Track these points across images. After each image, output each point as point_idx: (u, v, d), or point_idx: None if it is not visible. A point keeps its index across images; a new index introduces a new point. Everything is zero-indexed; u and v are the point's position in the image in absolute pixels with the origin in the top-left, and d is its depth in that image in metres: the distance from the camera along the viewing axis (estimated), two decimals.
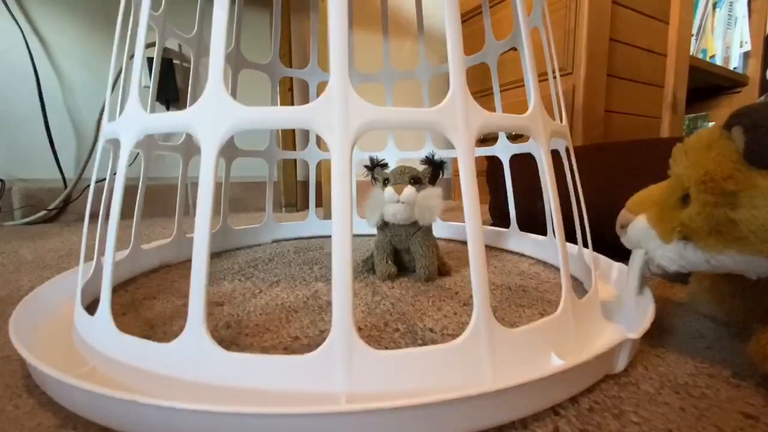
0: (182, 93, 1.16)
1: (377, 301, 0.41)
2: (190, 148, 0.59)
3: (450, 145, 0.29)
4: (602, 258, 0.47)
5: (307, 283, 0.47)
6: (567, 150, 0.40)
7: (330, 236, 0.22)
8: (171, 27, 0.50)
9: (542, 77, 0.35)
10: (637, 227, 0.32)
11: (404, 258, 0.51)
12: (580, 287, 0.45)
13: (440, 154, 0.56)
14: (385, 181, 0.49)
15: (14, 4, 0.98)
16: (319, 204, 0.92)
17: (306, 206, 1.35)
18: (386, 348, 0.30)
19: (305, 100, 1.13)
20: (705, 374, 0.26)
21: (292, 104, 1.27)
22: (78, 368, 0.25)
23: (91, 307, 0.30)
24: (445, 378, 0.23)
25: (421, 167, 0.51)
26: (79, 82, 1.07)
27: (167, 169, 1.14)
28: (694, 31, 1.52)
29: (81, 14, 1.06)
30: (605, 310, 0.34)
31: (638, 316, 0.31)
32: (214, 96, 0.24)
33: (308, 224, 0.82)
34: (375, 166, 0.52)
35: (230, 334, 0.33)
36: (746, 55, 1.66)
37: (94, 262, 0.39)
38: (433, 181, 0.50)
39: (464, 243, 0.24)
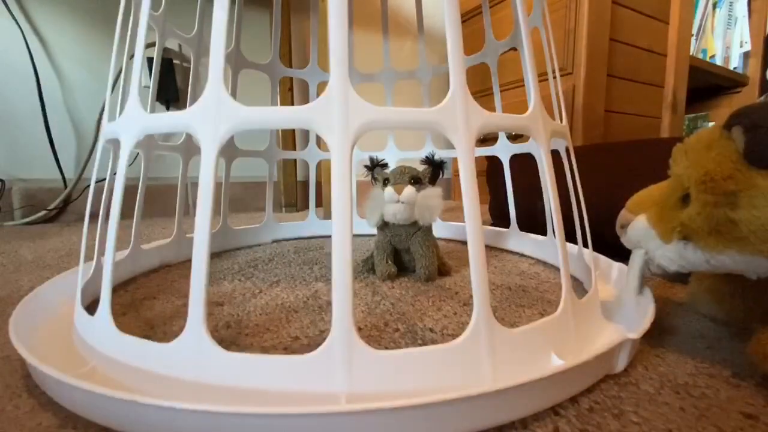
0: (182, 93, 1.16)
1: (377, 301, 0.41)
2: (190, 148, 0.59)
3: (450, 145, 0.29)
4: (602, 258, 0.47)
5: (307, 283, 0.47)
6: (567, 150, 0.40)
7: (330, 236, 0.22)
8: (171, 27, 0.50)
9: (542, 77, 0.35)
10: (637, 227, 0.32)
11: (404, 258, 0.51)
12: (580, 287, 0.45)
13: (440, 154, 0.56)
14: (385, 181, 0.49)
15: (14, 4, 0.98)
16: (319, 204, 0.92)
17: (306, 206, 1.35)
18: (386, 348, 0.30)
19: (305, 100, 1.13)
20: (705, 374, 0.26)
21: (292, 104, 1.27)
22: (78, 368, 0.25)
23: (91, 307, 0.30)
24: (445, 378, 0.23)
25: (421, 167, 0.51)
26: (79, 82, 1.07)
27: (167, 169, 1.14)
28: (694, 31, 1.52)
29: (81, 14, 1.06)
30: (605, 310, 0.34)
31: (638, 316, 0.31)
32: (214, 96, 0.24)
33: (308, 224, 0.82)
34: (375, 166, 0.52)
35: (230, 334, 0.33)
36: (746, 55, 1.66)
37: (94, 262, 0.39)
38: (433, 181, 0.50)
39: (464, 243, 0.24)
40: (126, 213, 0.31)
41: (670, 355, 0.29)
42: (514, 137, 0.67)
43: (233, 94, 0.37)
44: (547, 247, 0.58)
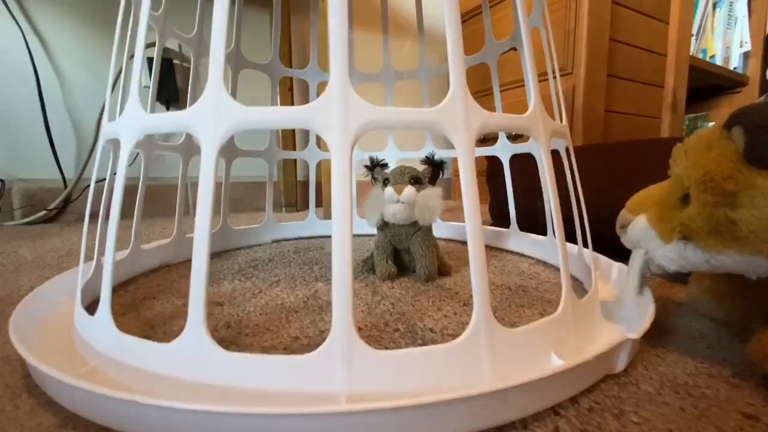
0: (182, 93, 1.16)
1: (377, 301, 0.41)
2: (190, 148, 0.59)
3: (450, 145, 0.29)
4: (602, 258, 0.47)
5: (307, 283, 0.47)
6: (567, 150, 0.40)
7: (330, 236, 0.22)
8: (171, 27, 0.50)
9: (542, 77, 0.35)
10: (637, 227, 0.32)
11: (404, 258, 0.51)
12: (580, 287, 0.45)
13: (440, 154, 0.56)
14: (385, 181, 0.49)
15: (14, 4, 0.98)
16: (319, 204, 0.92)
17: (306, 206, 1.35)
18: (386, 348, 0.30)
19: (305, 100, 1.13)
20: (705, 374, 0.26)
21: (292, 104, 1.27)
22: (78, 368, 0.25)
23: (91, 307, 0.30)
24: (445, 378, 0.23)
25: (421, 167, 0.51)
26: (79, 82, 1.07)
27: (167, 169, 1.14)
28: (694, 31, 1.52)
29: (81, 14, 1.06)
30: (605, 310, 0.34)
31: (638, 316, 0.31)
32: (214, 96, 0.24)
33: (308, 224, 0.82)
34: (375, 166, 0.52)
35: (230, 334, 0.33)
36: (746, 55, 1.66)
37: (94, 262, 0.39)
38: (433, 181, 0.50)
39: (464, 243, 0.24)
40: (126, 213, 0.31)
41: (670, 355, 0.29)
42: (514, 137, 0.67)
43: (233, 94, 0.37)
44: (547, 247, 0.58)
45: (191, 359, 0.23)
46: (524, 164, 0.58)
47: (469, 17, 1.35)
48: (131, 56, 0.33)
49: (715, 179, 0.25)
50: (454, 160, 1.34)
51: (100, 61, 1.09)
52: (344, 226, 0.22)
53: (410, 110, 0.24)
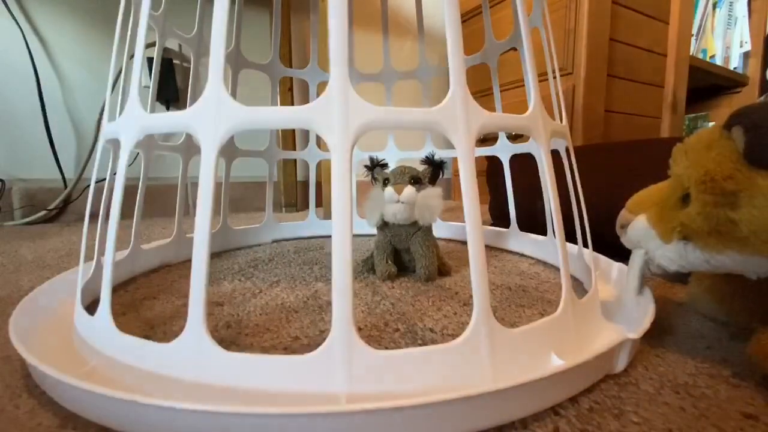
0: (182, 93, 1.16)
1: (377, 301, 0.41)
2: (190, 148, 0.59)
3: (450, 145, 0.29)
4: (602, 258, 0.47)
5: (307, 283, 0.47)
6: (567, 150, 0.40)
7: (330, 236, 0.22)
8: (171, 27, 0.50)
9: (542, 77, 0.35)
10: (637, 227, 0.32)
11: (404, 258, 0.51)
12: (580, 287, 0.45)
13: (440, 154, 0.56)
14: (385, 181, 0.49)
15: (14, 4, 0.98)
16: (319, 204, 0.92)
17: (306, 206, 1.35)
18: (386, 348, 0.30)
19: (305, 100, 1.13)
20: (705, 374, 0.26)
21: (292, 104, 1.27)
22: (78, 368, 0.25)
23: (91, 307, 0.30)
24: (445, 378, 0.23)
25: (421, 167, 0.51)
26: (79, 82, 1.07)
27: (167, 169, 1.14)
28: (694, 31, 1.52)
29: (81, 14, 1.06)
30: (605, 310, 0.34)
31: (638, 316, 0.31)
32: (214, 96, 0.24)
33: (308, 224, 0.82)
34: (375, 166, 0.52)
35: (230, 334, 0.33)
36: (746, 55, 1.66)
37: (94, 262, 0.39)
38: (433, 181, 0.50)
39: (464, 243, 0.24)
40: (126, 213, 0.31)
41: (670, 355, 0.29)
42: (514, 137, 0.67)
43: (233, 94, 0.37)
44: (547, 247, 0.58)
45: (191, 359, 0.23)
46: (524, 164, 0.58)
47: (469, 17, 1.35)
48: (131, 56, 0.33)
49: (715, 179, 0.25)
50: (454, 160, 1.34)
51: (100, 61, 1.09)
52: (344, 226, 0.22)
53: (410, 110, 0.24)
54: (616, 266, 0.44)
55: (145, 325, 0.35)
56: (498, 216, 0.80)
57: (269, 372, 0.23)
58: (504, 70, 0.72)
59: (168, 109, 1.15)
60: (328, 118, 0.23)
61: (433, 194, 0.47)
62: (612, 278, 0.44)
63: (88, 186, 0.62)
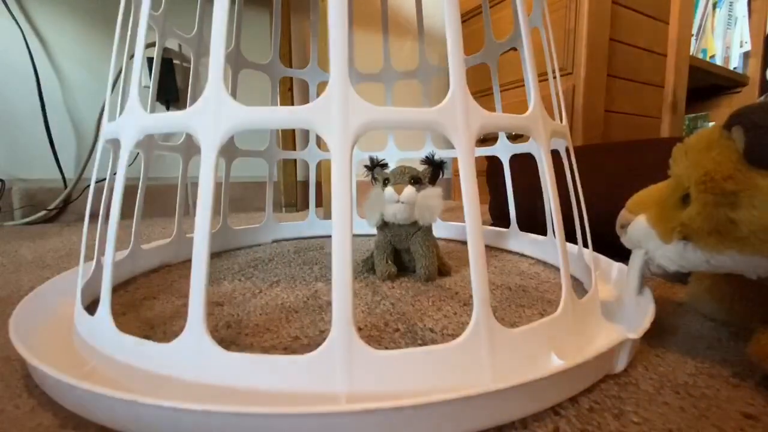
0: (182, 93, 1.16)
1: (377, 301, 0.41)
2: (190, 148, 0.59)
3: (450, 145, 0.29)
4: (602, 258, 0.47)
5: (307, 283, 0.47)
6: (567, 150, 0.40)
7: (330, 236, 0.22)
8: (171, 27, 0.50)
9: (542, 77, 0.35)
10: (637, 227, 0.32)
11: (404, 258, 0.51)
12: (580, 287, 0.45)
13: (440, 154, 0.56)
14: (385, 181, 0.49)
15: (14, 4, 0.98)
16: (319, 204, 0.92)
17: (306, 206, 1.35)
18: (386, 348, 0.30)
19: (305, 100, 1.13)
20: (705, 374, 0.26)
21: (292, 104, 1.27)
22: (78, 368, 0.25)
23: (91, 307, 0.30)
24: (445, 378, 0.23)
25: (421, 167, 0.51)
26: (79, 82, 1.07)
27: (167, 169, 1.14)
28: (694, 31, 1.52)
29: (81, 14, 1.06)
30: (605, 310, 0.34)
31: (638, 316, 0.31)
32: (214, 96, 0.24)
33: (308, 224, 0.82)
34: (375, 166, 0.52)
35: (230, 334, 0.33)
36: (746, 55, 1.66)
37: (94, 262, 0.39)
38: (433, 181, 0.50)
39: (464, 243, 0.24)
40: (126, 213, 0.31)
41: (670, 355, 0.29)
42: (514, 137, 0.67)
43: (233, 94, 0.37)
44: (547, 247, 0.58)
45: (191, 359, 0.23)
46: (524, 164, 0.58)
47: (469, 17, 1.35)
48: (131, 56, 0.33)
49: (715, 179, 0.25)
50: (454, 160, 1.34)
51: (100, 61, 1.09)
52: (344, 226, 0.22)
53: (410, 110, 0.24)
54: (616, 266, 0.44)
55: (145, 325, 0.35)
56: (498, 216, 0.80)
57: (269, 372, 0.23)
58: (504, 70, 0.72)
59: (168, 109, 1.15)
60: (328, 118, 0.23)
61: (433, 194, 0.47)
62: (612, 278, 0.44)
63: (88, 186, 0.62)
